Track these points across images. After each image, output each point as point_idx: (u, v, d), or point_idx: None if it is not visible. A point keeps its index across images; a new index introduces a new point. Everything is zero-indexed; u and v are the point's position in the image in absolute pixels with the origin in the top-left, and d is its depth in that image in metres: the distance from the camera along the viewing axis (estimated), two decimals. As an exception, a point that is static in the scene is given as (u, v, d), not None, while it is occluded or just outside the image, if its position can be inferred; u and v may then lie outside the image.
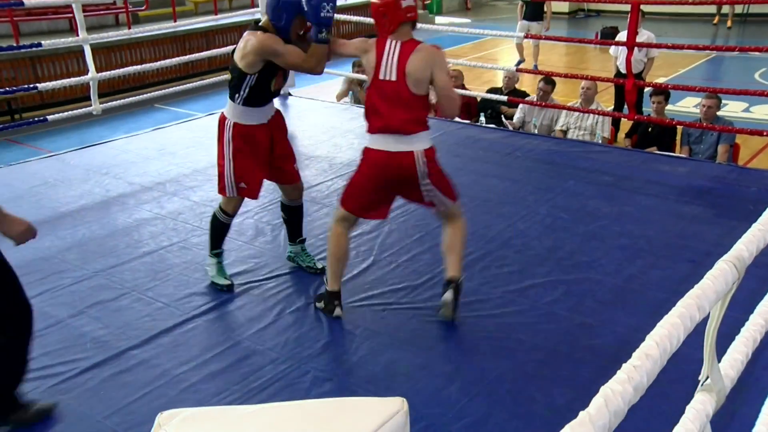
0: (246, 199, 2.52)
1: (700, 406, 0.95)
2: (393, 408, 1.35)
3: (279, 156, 2.52)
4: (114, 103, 4.67)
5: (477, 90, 5.73)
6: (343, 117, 4.84)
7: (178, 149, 4.23)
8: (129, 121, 6.65)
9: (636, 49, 4.51)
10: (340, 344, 2.24)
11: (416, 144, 2.16)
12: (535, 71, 6.43)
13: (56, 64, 7.53)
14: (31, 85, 4.38)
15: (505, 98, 5.06)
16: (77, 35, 4.18)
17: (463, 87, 5.46)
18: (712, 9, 11.93)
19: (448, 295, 2.21)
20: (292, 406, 1.50)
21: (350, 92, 5.77)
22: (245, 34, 2.30)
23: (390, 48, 2.13)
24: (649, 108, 4.81)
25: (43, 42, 4.11)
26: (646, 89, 5.12)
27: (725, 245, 1.03)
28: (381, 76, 2.14)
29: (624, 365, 0.76)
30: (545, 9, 8.40)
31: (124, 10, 8.85)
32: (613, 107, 5.82)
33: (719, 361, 1.02)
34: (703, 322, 0.91)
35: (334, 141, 4.29)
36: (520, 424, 1.86)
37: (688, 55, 9.04)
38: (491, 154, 4.08)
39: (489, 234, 3.00)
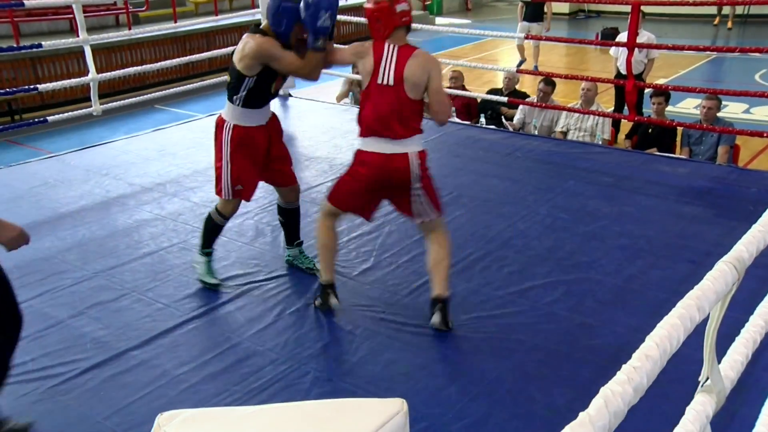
0: (249, 197, 2.52)
1: (700, 407, 0.95)
2: (393, 409, 1.35)
3: (276, 158, 2.52)
4: (114, 103, 4.67)
5: (477, 91, 5.73)
6: (343, 118, 4.84)
7: (178, 150, 4.23)
8: (129, 122, 6.65)
9: (636, 50, 4.51)
10: (340, 345, 2.24)
11: (410, 146, 2.18)
12: (535, 72, 6.43)
13: (56, 65, 7.53)
14: (32, 86, 4.38)
15: (505, 99, 5.06)
16: (78, 36, 4.18)
17: (463, 88, 5.46)
18: (712, 10, 11.93)
19: (436, 318, 2.20)
20: (292, 407, 1.50)
21: (350, 93, 5.77)
22: (244, 36, 2.31)
23: (388, 53, 2.14)
24: (649, 109, 4.81)
25: (43, 43, 4.12)
26: (647, 90, 5.12)
27: (725, 246, 1.03)
28: (379, 81, 2.15)
29: (624, 366, 0.76)
30: (545, 10, 8.40)
31: (124, 10, 8.86)
32: (613, 108, 5.82)
33: (719, 362, 1.02)
34: (703, 323, 0.91)
35: (335, 142, 4.29)
36: (520, 424, 1.86)
37: (688, 56, 9.04)
38: (491, 155, 4.08)
39: (489, 234, 3.00)
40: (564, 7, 13.38)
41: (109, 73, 4.68)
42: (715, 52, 9.52)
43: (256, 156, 2.45)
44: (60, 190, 3.64)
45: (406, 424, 1.36)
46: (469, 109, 5.43)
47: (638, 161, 3.96)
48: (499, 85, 5.78)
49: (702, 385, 0.99)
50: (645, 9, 4.65)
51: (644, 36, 5.26)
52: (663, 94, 4.64)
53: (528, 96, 5.52)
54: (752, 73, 8.54)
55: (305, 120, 4.80)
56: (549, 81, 5.04)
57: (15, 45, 6.26)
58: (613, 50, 5.92)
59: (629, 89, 4.19)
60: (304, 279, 2.66)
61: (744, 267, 0.97)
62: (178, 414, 1.38)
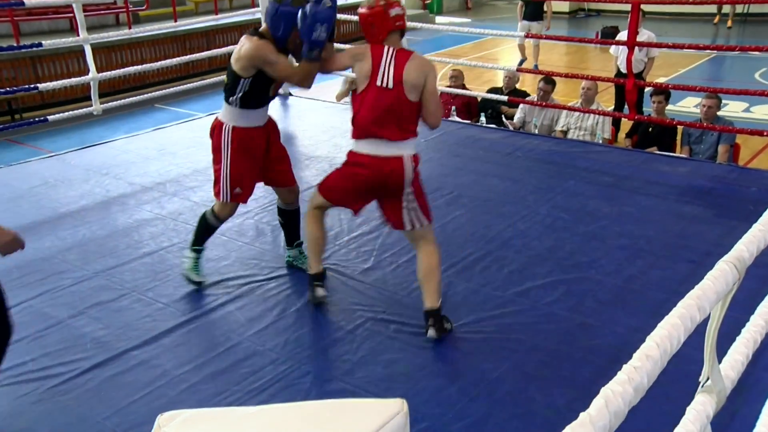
0: (246, 200, 2.52)
1: (701, 407, 0.95)
2: (393, 409, 1.35)
3: (275, 158, 2.52)
4: (114, 103, 4.67)
5: (477, 90, 5.73)
6: (343, 117, 4.83)
7: (178, 149, 4.23)
8: (129, 121, 6.65)
9: (636, 48, 4.51)
10: (340, 345, 2.24)
11: (405, 149, 2.18)
12: (535, 71, 6.43)
13: (57, 64, 7.53)
14: (32, 85, 4.38)
15: (505, 98, 5.06)
16: (78, 35, 4.18)
17: (463, 87, 5.46)
18: (712, 9, 11.93)
19: (432, 332, 2.18)
20: (293, 407, 1.50)
21: (350, 92, 5.76)
22: (243, 38, 2.31)
23: (387, 56, 2.15)
24: (649, 108, 4.81)
25: (43, 42, 4.12)
26: (647, 89, 5.12)
27: (725, 245, 1.03)
28: (378, 83, 2.15)
29: (624, 366, 0.76)
30: (545, 8, 8.40)
31: (124, 9, 8.86)
32: (613, 107, 5.82)
33: (720, 362, 1.02)
34: (704, 323, 0.91)
35: (335, 141, 4.29)
36: (521, 424, 1.86)
37: (688, 55, 9.04)
38: (492, 154, 4.08)
39: (489, 234, 3.00)
40: (564, 6, 13.37)
41: (109, 73, 4.68)
42: (715, 51, 9.52)
43: (256, 157, 2.44)
44: (60, 190, 3.64)
45: (407, 424, 1.36)
46: (470, 108, 5.43)
47: (638, 160, 3.96)
48: (500, 84, 5.78)
49: (702, 385, 0.99)
50: (645, 8, 4.64)
51: (644, 35, 5.25)
52: (663, 92, 4.64)
53: (528, 95, 5.52)
54: (752, 72, 8.54)
55: (305, 119, 4.80)
56: (549, 80, 5.03)
57: (15, 44, 6.25)
58: (613, 49, 5.91)
59: (629, 88, 4.18)
60: (304, 279, 2.66)
61: (744, 267, 0.97)
62: (179, 414, 1.38)
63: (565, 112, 4.95)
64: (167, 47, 8.48)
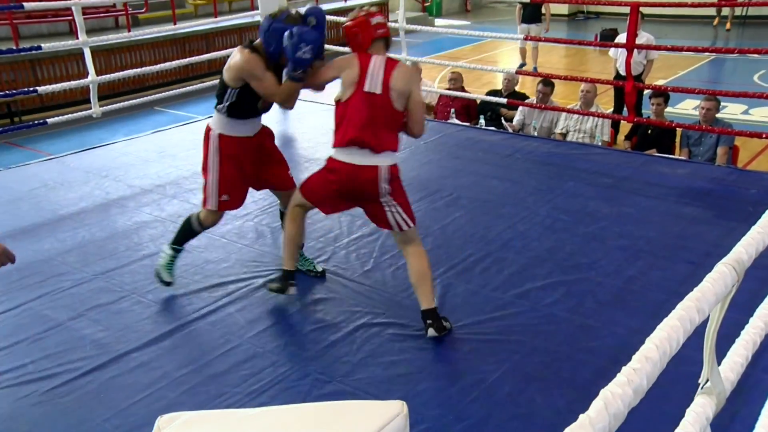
0: (246, 201, 2.53)
1: (700, 409, 0.95)
2: (393, 411, 1.35)
3: (271, 163, 2.53)
4: (114, 105, 4.67)
5: (476, 92, 5.74)
6: (342, 119, 4.83)
7: (177, 152, 4.23)
8: (129, 124, 6.65)
9: (635, 51, 4.52)
10: (339, 347, 2.24)
11: (382, 160, 2.19)
12: (534, 73, 6.44)
13: (56, 67, 7.54)
14: (31, 88, 4.39)
15: (504, 100, 5.06)
16: (77, 38, 4.18)
17: (462, 89, 5.47)
18: (711, 11, 11.95)
19: (431, 332, 2.19)
20: (292, 409, 1.50)
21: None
22: (236, 48, 2.32)
23: (375, 62, 2.18)
24: (648, 110, 4.82)
25: (42, 45, 4.12)
26: (646, 91, 5.12)
27: (725, 246, 1.03)
28: (366, 89, 2.16)
29: (624, 368, 0.76)
30: (543, 11, 8.41)
31: (123, 12, 8.87)
32: (612, 109, 5.83)
33: (719, 363, 1.02)
34: (703, 325, 0.91)
35: (334, 143, 4.29)
36: (520, 425, 1.86)
37: (687, 57, 9.05)
38: (491, 156, 4.09)
39: (489, 235, 3.00)
40: (563, 9, 13.40)
41: (108, 75, 4.68)
42: (714, 54, 9.53)
43: (244, 166, 2.45)
44: (60, 192, 3.64)
45: (407, 426, 1.36)
46: (469, 110, 5.44)
47: (638, 162, 3.97)
48: (499, 86, 5.79)
49: (702, 387, 0.99)
50: (644, 10, 4.65)
51: (643, 37, 5.26)
52: (662, 95, 4.65)
53: (527, 97, 5.53)
54: (751, 74, 8.56)
55: (304, 121, 4.80)
56: (547, 82, 5.04)
57: (14, 47, 6.27)
58: (612, 51, 5.92)
59: (628, 90, 4.19)
60: (304, 281, 2.66)
61: (743, 268, 0.97)
62: (179, 416, 1.38)
63: (564, 114, 4.96)
64: (166, 50, 8.48)
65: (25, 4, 4.33)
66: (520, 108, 5.17)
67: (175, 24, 8.48)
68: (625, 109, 4.86)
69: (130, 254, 2.90)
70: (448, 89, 5.40)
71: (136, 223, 3.22)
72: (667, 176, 3.69)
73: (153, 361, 2.17)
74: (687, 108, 6.73)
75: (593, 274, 2.65)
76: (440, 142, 4.36)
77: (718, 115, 4.41)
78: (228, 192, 2.42)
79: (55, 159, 4.30)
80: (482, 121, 5.40)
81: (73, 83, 4.54)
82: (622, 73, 4.99)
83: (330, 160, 2.27)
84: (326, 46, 2.48)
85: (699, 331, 0.89)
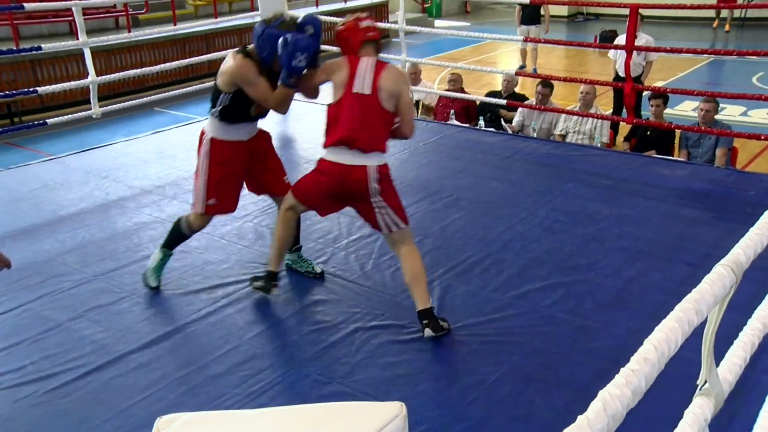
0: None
1: (698, 411, 0.96)
2: (392, 412, 1.35)
3: (266, 168, 2.53)
4: (114, 106, 4.67)
5: (476, 93, 5.75)
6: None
7: (177, 152, 4.23)
8: (129, 125, 6.66)
9: (635, 52, 4.53)
10: (339, 348, 2.24)
11: (371, 160, 2.21)
12: (534, 75, 6.45)
13: (56, 68, 7.54)
14: (31, 89, 4.39)
15: (504, 102, 5.07)
16: (77, 38, 4.19)
17: (462, 90, 5.47)
18: (710, 13, 11.96)
19: (428, 332, 2.20)
20: (292, 411, 1.50)
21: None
22: (230, 53, 2.33)
23: (365, 64, 2.21)
24: (647, 111, 4.83)
25: (43, 45, 4.12)
26: (645, 93, 5.13)
27: (724, 248, 1.03)
28: (355, 89, 2.19)
29: (622, 369, 0.77)
30: (542, 12, 8.43)
31: (124, 13, 8.87)
32: (612, 110, 5.83)
33: (718, 364, 1.02)
34: (702, 326, 0.91)
35: (334, 144, 4.30)
36: (520, 426, 1.87)
37: (686, 59, 9.07)
38: (491, 157, 4.09)
39: (488, 236, 3.00)
40: (563, 10, 13.41)
41: (108, 76, 4.69)
42: (713, 55, 9.55)
43: (236, 171, 2.46)
44: (59, 193, 3.64)
45: (406, 427, 1.36)
46: (468, 111, 5.44)
47: (637, 163, 3.97)
48: (498, 87, 5.80)
49: (700, 388, 0.99)
50: (643, 12, 4.66)
51: (642, 39, 5.27)
52: (661, 96, 4.66)
53: (527, 98, 5.54)
54: (750, 76, 8.57)
55: (304, 122, 4.81)
56: (547, 83, 5.05)
57: (15, 47, 6.27)
58: (611, 53, 5.93)
59: (628, 92, 4.20)
60: (303, 282, 2.67)
61: (742, 270, 0.97)
62: (178, 417, 1.38)
63: (563, 115, 4.97)
64: (167, 50, 8.49)
65: (25, 4, 4.34)
66: (520, 109, 5.18)
67: (175, 25, 8.49)
68: (624, 110, 4.88)
69: (130, 255, 2.90)
70: (448, 90, 5.40)
71: (136, 224, 3.22)
72: (666, 177, 3.70)
73: (153, 362, 2.17)
74: (686, 109, 6.74)
75: (592, 276, 2.65)
76: (440, 143, 4.36)
77: (717, 117, 4.42)
78: (215, 196, 2.43)
79: (55, 159, 4.30)
80: (482, 122, 5.41)
81: (73, 84, 4.55)
82: (622, 74, 5.00)
83: (320, 161, 2.29)
84: (324, 47, 2.50)
85: (697, 333, 0.90)
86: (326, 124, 2.26)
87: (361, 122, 2.19)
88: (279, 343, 2.30)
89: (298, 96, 2.41)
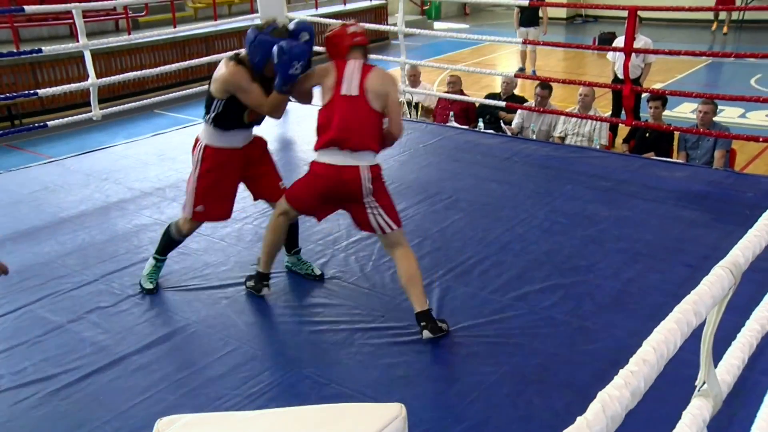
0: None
1: (697, 411, 0.96)
2: (392, 413, 1.36)
3: (261, 174, 2.54)
4: (114, 108, 4.68)
5: (475, 95, 5.75)
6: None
7: (177, 154, 4.24)
8: (129, 127, 6.66)
9: (633, 54, 4.53)
10: (338, 349, 2.24)
11: (363, 160, 2.24)
12: (533, 77, 6.46)
13: (56, 70, 7.55)
14: (31, 91, 4.40)
15: (503, 104, 5.08)
16: (77, 41, 4.19)
17: (461, 92, 5.48)
18: (709, 15, 11.99)
19: (427, 334, 2.20)
20: (291, 412, 1.50)
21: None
22: (222, 61, 2.34)
23: (352, 67, 2.26)
24: (646, 113, 4.84)
25: (43, 48, 4.13)
26: (644, 95, 5.14)
27: (723, 249, 1.04)
28: (343, 92, 2.24)
29: (621, 370, 0.77)
30: (540, 14, 8.45)
31: (124, 15, 8.88)
32: (611, 112, 5.84)
33: (716, 366, 1.02)
34: (700, 327, 0.92)
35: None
36: (519, 427, 1.87)
37: (685, 61, 9.09)
38: (490, 159, 4.10)
39: (488, 238, 3.01)
40: (561, 12, 13.44)
41: (108, 78, 4.69)
42: (711, 58, 9.57)
43: (227, 179, 2.46)
44: (60, 195, 3.65)
45: (405, 428, 1.37)
46: (468, 113, 5.45)
47: (636, 165, 3.98)
48: (498, 89, 5.81)
49: (699, 389, 0.99)
50: (642, 14, 4.68)
51: (641, 41, 5.28)
52: (660, 98, 4.67)
53: (526, 100, 5.55)
54: (748, 78, 8.59)
55: (303, 124, 4.81)
56: (545, 85, 5.06)
57: (15, 50, 6.28)
58: (610, 55, 5.95)
59: (626, 94, 4.21)
60: (303, 283, 2.67)
61: (740, 271, 0.98)
62: (178, 419, 1.39)
63: (562, 118, 4.98)
64: (166, 53, 8.50)
65: (26, 8, 4.35)
66: (519, 111, 5.19)
67: (175, 27, 8.49)
68: (623, 112, 4.88)
69: (130, 257, 2.90)
70: (447, 92, 5.41)
71: (136, 226, 3.23)
72: (665, 179, 3.71)
73: (152, 363, 2.17)
74: (685, 111, 6.75)
75: (591, 277, 2.65)
76: (439, 145, 4.37)
77: (715, 119, 4.43)
78: (203, 203, 2.45)
79: (55, 162, 4.31)
80: (481, 124, 5.42)
81: (74, 86, 4.55)
82: (620, 76, 5.01)
83: (312, 164, 2.32)
84: (318, 48, 2.52)
85: (696, 334, 0.90)
86: (317, 127, 2.30)
87: (350, 123, 2.22)
88: (278, 345, 2.30)
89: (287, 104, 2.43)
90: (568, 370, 2.11)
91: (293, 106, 5.36)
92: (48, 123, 4.30)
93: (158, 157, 4.24)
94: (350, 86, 2.23)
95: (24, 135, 6.00)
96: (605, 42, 8.88)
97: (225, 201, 2.52)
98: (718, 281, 0.93)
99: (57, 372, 2.13)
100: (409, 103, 5.56)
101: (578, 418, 0.69)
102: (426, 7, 13.53)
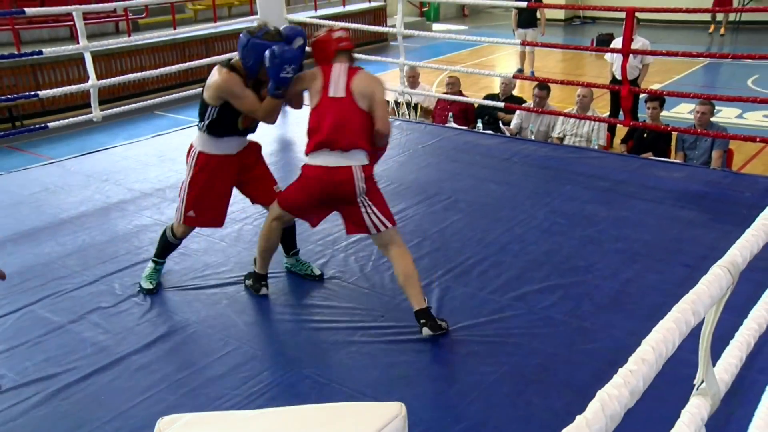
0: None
1: (695, 410, 0.97)
2: (391, 412, 1.36)
3: (255, 178, 2.54)
4: (114, 110, 4.69)
5: (474, 96, 5.76)
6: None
7: (177, 156, 4.22)
8: (129, 128, 6.67)
9: (631, 55, 4.55)
10: (338, 349, 2.25)
11: (354, 160, 2.26)
12: (532, 78, 6.47)
13: (57, 72, 7.54)
14: (32, 93, 4.40)
15: (502, 104, 5.09)
16: (78, 43, 4.20)
17: (460, 93, 5.49)
18: (706, 16, 12.02)
19: (426, 331, 2.22)
20: (292, 411, 1.51)
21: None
22: (215, 67, 2.35)
23: (338, 71, 2.30)
24: (644, 114, 4.85)
25: (44, 50, 4.14)
26: (642, 95, 5.15)
27: (720, 249, 1.05)
28: (330, 94, 2.27)
29: (620, 370, 0.78)
30: (538, 15, 8.46)
31: (124, 17, 8.88)
32: (609, 113, 5.86)
33: (714, 365, 1.03)
34: (699, 327, 0.93)
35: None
36: (518, 427, 1.88)
37: (682, 62, 9.11)
38: (489, 160, 4.11)
39: (487, 238, 3.02)
40: (560, 14, 13.46)
41: (109, 80, 4.70)
42: (708, 58, 9.59)
43: (220, 186, 2.47)
44: (60, 196, 3.65)
45: (405, 427, 1.37)
46: (467, 114, 5.46)
47: (634, 165, 3.99)
48: (496, 90, 5.82)
49: (697, 388, 1.00)
50: (639, 15, 4.69)
51: (639, 42, 5.30)
52: (658, 99, 4.68)
53: (525, 101, 5.55)
54: (745, 79, 8.61)
55: (303, 125, 4.82)
56: (543, 86, 5.07)
57: (16, 52, 6.27)
58: (608, 56, 5.96)
59: (624, 94, 4.22)
60: (302, 284, 2.68)
61: (738, 271, 0.99)
62: (179, 418, 1.39)
63: (561, 118, 4.99)
64: (166, 55, 8.50)
65: (27, 10, 4.35)
66: (518, 112, 5.20)
67: (175, 29, 8.49)
68: (621, 113, 4.90)
69: (131, 257, 2.91)
70: (446, 93, 5.42)
71: (137, 227, 3.23)
72: (663, 180, 3.72)
73: (153, 363, 2.18)
74: (682, 112, 6.77)
75: (590, 277, 2.66)
76: (438, 145, 4.38)
77: (713, 119, 4.44)
78: (194, 209, 2.46)
79: (55, 163, 4.31)
80: (480, 124, 5.43)
81: (74, 87, 4.56)
82: (618, 77, 5.02)
83: (304, 167, 2.35)
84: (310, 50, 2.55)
85: (694, 333, 0.91)
86: (307, 131, 2.33)
87: (338, 124, 2.25)
88: (278, 345, 2.31)
89: (281, 108, 2.44)
90: (567, 369, 2.11)
91: (291, 108, 5.38)
92: (48, 124, 4.29)
93: (158, 158, 4.25)
94: (337, 88, 2.27)
95: (25, 136, 6.00)
96: (603, 43, 8.91)
97: (217, 207, 2.53)
98: (716, 281, 0.94)
99: (58, 372, 2.14)
100: (408, 104, 5.57)
101: (577, 417, 0.70)
102: (425, 9, 13.54)
